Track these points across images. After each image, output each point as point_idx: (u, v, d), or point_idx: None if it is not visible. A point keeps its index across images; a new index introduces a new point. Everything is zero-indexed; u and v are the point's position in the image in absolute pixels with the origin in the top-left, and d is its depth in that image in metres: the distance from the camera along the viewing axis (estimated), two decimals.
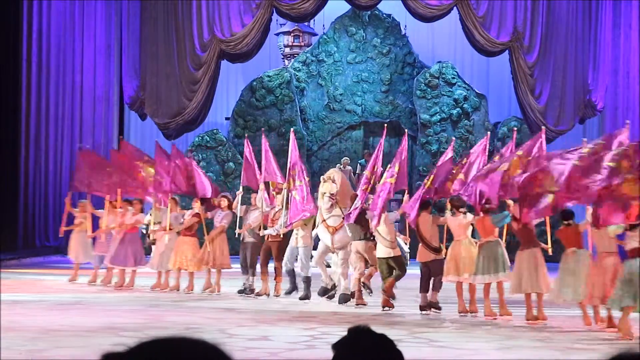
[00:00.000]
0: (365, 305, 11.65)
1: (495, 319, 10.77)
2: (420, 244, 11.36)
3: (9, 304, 11.33)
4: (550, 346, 8.73)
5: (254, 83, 23.58)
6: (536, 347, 8.67)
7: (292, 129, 14.87)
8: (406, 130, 14.39)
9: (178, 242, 13.41)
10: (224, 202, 13.53)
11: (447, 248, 11.50)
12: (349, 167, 21.56)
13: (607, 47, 22.10)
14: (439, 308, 11.22)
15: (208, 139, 23.20)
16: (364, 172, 12.54)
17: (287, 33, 24.56)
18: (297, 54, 24.30)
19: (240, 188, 13.85)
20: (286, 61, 24.71)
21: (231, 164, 22.50)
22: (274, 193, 13.24)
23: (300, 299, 12.31)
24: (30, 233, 21.10)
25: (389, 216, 11.48)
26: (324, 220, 12.04)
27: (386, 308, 11.28)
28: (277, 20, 23.30)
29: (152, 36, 22.35)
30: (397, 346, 2.23)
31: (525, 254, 10.47)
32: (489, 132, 14.72)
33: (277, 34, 24.57)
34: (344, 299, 11.90)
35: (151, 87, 22.34)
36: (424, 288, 11.23)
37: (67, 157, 21.99)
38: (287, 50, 24.70)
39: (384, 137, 12.93)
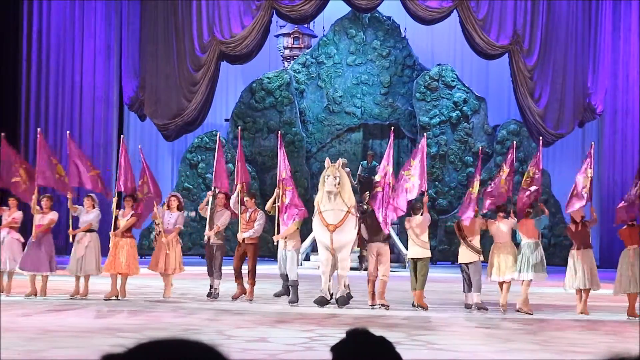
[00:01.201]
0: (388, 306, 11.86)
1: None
2: (462, 246, 12.08)
3: (8, 305, 11.33)
4: (548, 348, 8.73)
5: (254, 85, 23.61)
6: (534, 350, 8.67)
7: (278, 132, 14.42)
8: (425, 134, 14.55)
9: (115, 245, 12.57)
10: (174, 203, 13.03)
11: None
12: (347, 169, 21.50)
13: (607, 50, 22.11)
14: (486, 309, 11.76)
15: (207, 140, 23.22)
16: (376, 176, 12.54)
17: (287, 35, 24.57)
18: (297, 56, 24.32)
19: (212, 189, 13.51)
20: (286, 63, 24.73)
21: (230, 165, 22.44)
22: (247, 197, 12.78)
23: (290, 302, 12.08)
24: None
25: (424, 218, 12.01)
26: (321, 212, 11.74)
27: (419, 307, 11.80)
28: (277, 22, 23.31)
29: (152, 37, 22.35)
30: (396, 349, 2.22)
31: (581, 253, 11.65)
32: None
33: (277, 36, 24.58)
34: (343, 301, 11.87)
35: (151, 88, 22.34)
36: (471, 288, 11.95)
37: (66, 158, 21.98)
38: (287, 52, 24.71)
39: (391, 139, 12.90)
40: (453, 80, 23.61)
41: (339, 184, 11.64)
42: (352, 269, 14.94)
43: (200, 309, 11.65)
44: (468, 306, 11.96)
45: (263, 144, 23.33)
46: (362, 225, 12.14)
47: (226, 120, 24.30)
